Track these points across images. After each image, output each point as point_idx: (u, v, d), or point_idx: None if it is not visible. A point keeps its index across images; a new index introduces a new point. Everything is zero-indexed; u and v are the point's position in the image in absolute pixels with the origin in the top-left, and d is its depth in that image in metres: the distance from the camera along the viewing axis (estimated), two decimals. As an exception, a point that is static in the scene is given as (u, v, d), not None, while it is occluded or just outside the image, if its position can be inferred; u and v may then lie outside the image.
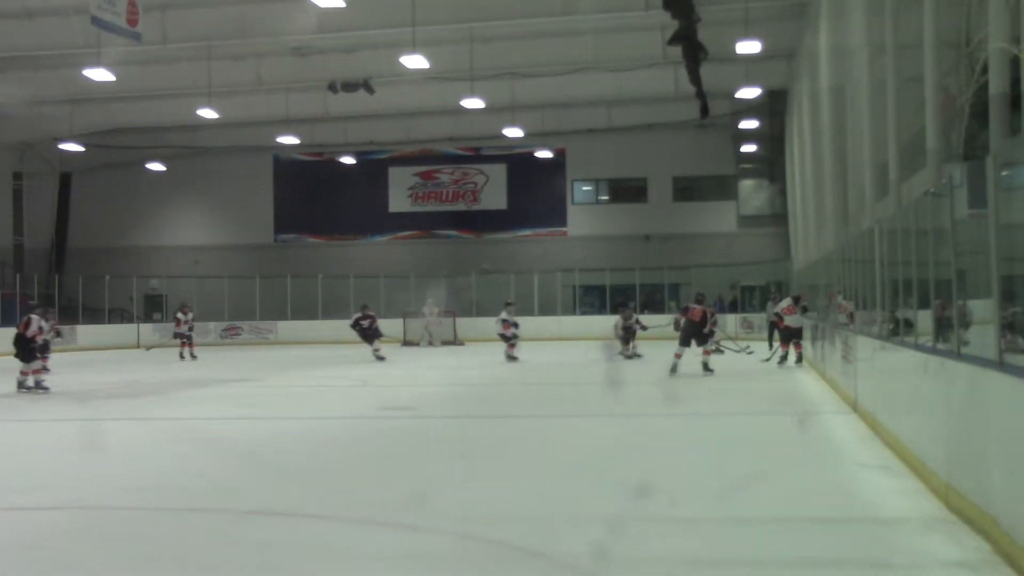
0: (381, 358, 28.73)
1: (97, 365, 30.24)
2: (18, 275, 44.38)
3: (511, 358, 27.98)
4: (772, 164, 42.90)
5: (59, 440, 14.48)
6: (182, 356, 32.04)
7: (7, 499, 9.71)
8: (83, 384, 23.25)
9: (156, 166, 48.27)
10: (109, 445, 13.74)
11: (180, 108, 38.08)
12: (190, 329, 33.01)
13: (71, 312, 42.75)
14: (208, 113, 37.12)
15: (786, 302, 25.30)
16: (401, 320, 39.71)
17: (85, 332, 40.08)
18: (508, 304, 29.02)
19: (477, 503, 9.27)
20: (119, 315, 44.71)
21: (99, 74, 29.79)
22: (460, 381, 23.23)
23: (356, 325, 29.38)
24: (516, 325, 28.41)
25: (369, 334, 29.32)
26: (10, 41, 29.08)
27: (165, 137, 44.72)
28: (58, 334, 20.31)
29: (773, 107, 38.91)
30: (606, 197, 48.60)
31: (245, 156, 48.13)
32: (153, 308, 47.14)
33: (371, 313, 29.60)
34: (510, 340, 28.15)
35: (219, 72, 32.90)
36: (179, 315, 33.27)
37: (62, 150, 44.25)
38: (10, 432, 15.40)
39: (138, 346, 40.82)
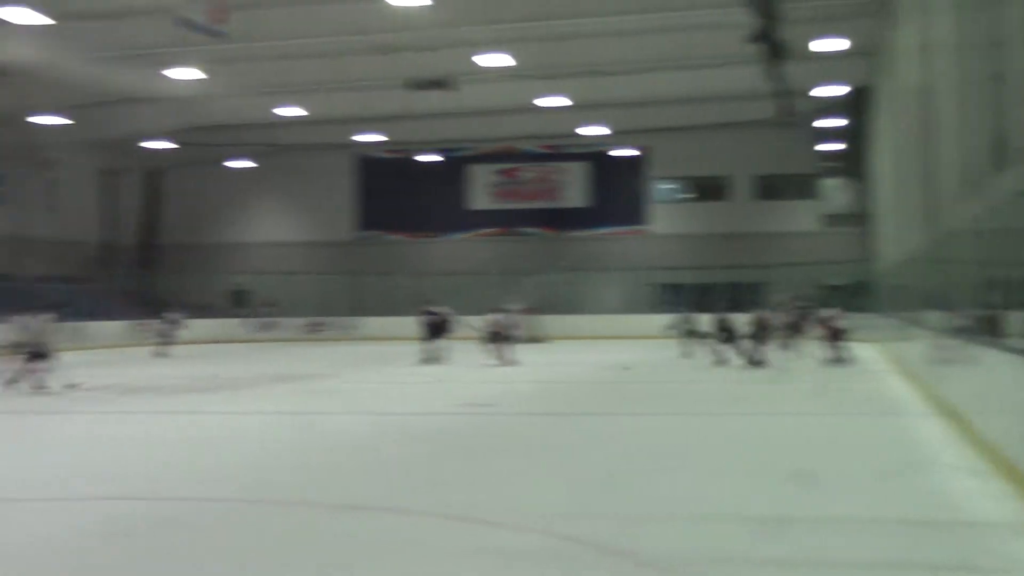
0: (428, 359, 27.53)
1: (182, 360, 30.65)
2: (110, 270, 45.15)
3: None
4: (854, 162, 42.35)
5: (150, 432, 14.68)
6: (161, 355, 32.28)
7: (99, 489, 9.88)
8: (169, 378, 23.58)
9: (241, 163, 48.82)
10: (196, 438, 13.94)
11: (265, 106, 38.43)
12: (174, 329, 33.62)
13: (159, 308, 43.39)
14: (292, 111, 37.45)
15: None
16: (483, 317, 39.74)
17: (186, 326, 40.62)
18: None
19: (561, 500, 9.27)
20: (205, 310, 45.13)
21: (187, 73, 30.21)
22: (542, 378, 23.21)
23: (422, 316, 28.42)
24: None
25: (435, 329, 28.04)
26: (99, 41, 29.52)
27: (250, 135, 45.14)
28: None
29: (855, 105, 38.41)
30: (687, 195, 48.39)
31: (328, 153, 48.48)
32: (239, 303, 47.65)
33: (437, 310, 28.45)
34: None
35: (302, 70, 33.19)
36: (167, 316, 34.02)
37: (149, 148, 44.89)
38: (103, 424, 15.66)
39: (224, 341, 41.29)
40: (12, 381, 19.54)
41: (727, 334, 24.98)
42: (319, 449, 12.74)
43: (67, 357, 20.52)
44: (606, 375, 24.21)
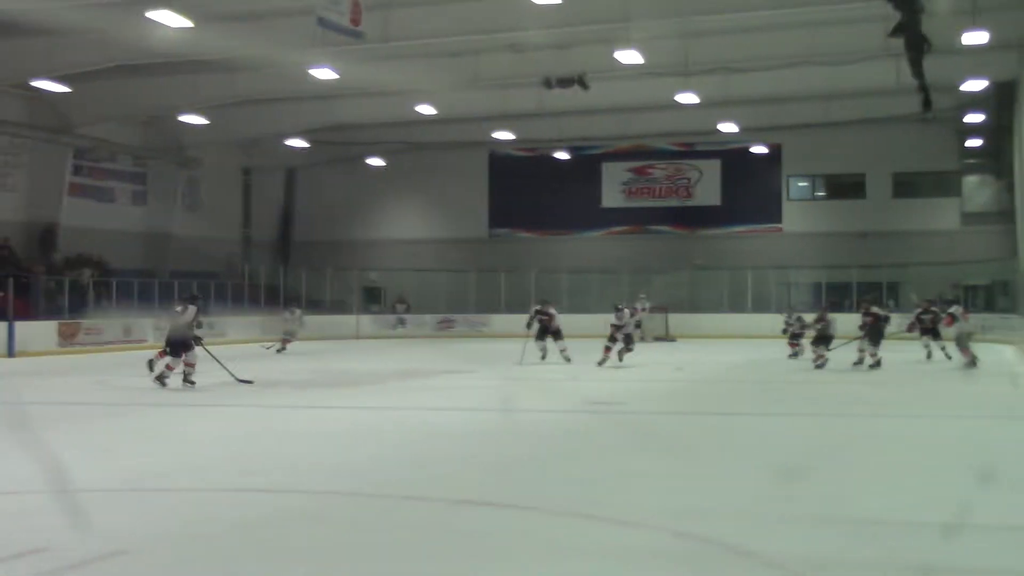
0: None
1: (317, 355, 31.12)
2: (247, 267, 46.16)
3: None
4: (999, 159, 41.35)
5: (280, 426, 14.98)
6: (281, 350, 32.49)
7: (233, 481, 10.12)
8: (304, 373, 23.97)
9: (376, 161, 49.41)
10: (327, 432, 14.16)
11: (399, 104, 38.80)
12: (294, 326, 33.94)
13: (295, 303, 44.19)
14: (426, 109, 37.73)
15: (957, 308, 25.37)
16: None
17: (307, 322, 41.34)
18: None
19: (687, 499, 9.23)
20: (340, 306, 45.77)
21: (323, 72, 30.66)
22: (670, 377, 23.07)
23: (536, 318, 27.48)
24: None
25: (543, 329, 27.23)
26: (240, 42, 30.13)
27: (384, 133, 45.56)
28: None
29: (1000, 99, 37.44)
30: (822, 193, 47.71)
31: (461, 151, 48.77)
32: (372, 300, 48.28)
33: (548, 311, 27.53)
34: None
35: (437, 69, 33.44)
36: (286, 313, 34.62)
37: (287, 146, 45.67)
38: (237, 417, 16.00)
39: (357, 337, 41.92)
40: (162, 375, 19.66)
41: (825, 334, 24.30)
42: (446, 445, 12.86)
43: (214, 351, 20.85)
44: (735, 374, 24.00)
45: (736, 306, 42.79)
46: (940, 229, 44.25)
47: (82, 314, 34.25)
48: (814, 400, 18.58)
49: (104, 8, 26.41)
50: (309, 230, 50.69)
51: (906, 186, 45.76)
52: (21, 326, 31.05)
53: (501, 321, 43.14)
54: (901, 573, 6.89)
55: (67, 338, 32.72)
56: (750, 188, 47.54)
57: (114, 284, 37.15)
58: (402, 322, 44.90)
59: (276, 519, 8.53)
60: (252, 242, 49.76)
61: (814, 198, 47.78)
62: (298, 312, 34.76)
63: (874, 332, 24.01)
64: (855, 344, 24.37)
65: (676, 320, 39.74)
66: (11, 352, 30.08)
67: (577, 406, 17.22)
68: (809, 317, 26.84)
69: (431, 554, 7.42)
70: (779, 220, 47.49)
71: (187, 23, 25.40)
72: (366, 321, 44.52)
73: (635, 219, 49.24)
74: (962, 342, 24.31)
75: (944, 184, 44.97)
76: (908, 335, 27.33)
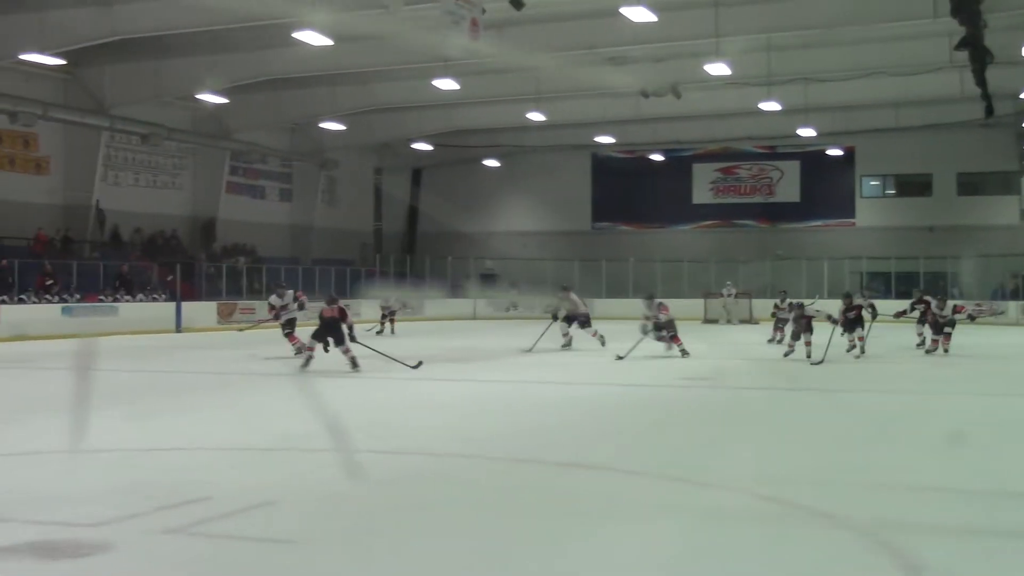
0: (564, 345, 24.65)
1: (440, 333, 31.36)
2: (378, 255, 46.77)
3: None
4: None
5: (407, 396, 15.12)
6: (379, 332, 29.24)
7: (370, 444, 10.20)
8: (428, 349, 24.12)
9: (491, 162, 49.63)
10: (448, 402, 14.28)
11: (512, 112, 38.92)
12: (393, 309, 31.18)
13: (419, 287, 44.52)
14: (536, 116, 37.78)
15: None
16: (702, 300, 39.85)
17: (430, 305, 41.72)
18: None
19: (771, 466, 9.18)
20: (459, 290, 46.11)
21: (445, 84, 30.87)
22: (756, 356, 22.82)
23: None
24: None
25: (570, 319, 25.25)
26: (372, 58, 30.50)
27: (499, 137, 45.77)
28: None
29: (1057, 105, 36.53)
30: (892, 191, 47.02)
31: (567, 153, 48.70)
32: (487, 285, 48.51)
33: (572, 297, 25.68)
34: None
35: (545, 80, 33.52)
36: (385, 302, 31.34)
37: (414, 149, 46.11)
38: (368, 387, 16.20)
39: (475, 318, 42.17)
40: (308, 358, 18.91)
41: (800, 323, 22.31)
42: (553, 415, 12.90)
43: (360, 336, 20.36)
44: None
45: (814, 293, 42.20)
46: (1000, 224, 43.29)
47: (237, 295, 35.13)
48: (877, 378, 18.29)
49: (257, 29, 26.92)
50: (432, 223, 50.98)
51: (969, 185, 44.88)
52: (186, 306, 32.04)
53: (602, 305, 42.93)
54: (953, 534, 6.80)
55: (225, 316, 33.50)
56: (826, 186, 47.03)
57: (264, 269, 37.92)
58: (514, 305, 45.04)
59: (406, 478, 8.65)
60: (382, 233, 50.38)
61: (884, 196, 47.11)
62: (391, 300, 31.63)
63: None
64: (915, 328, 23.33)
65: (759, 305, 39.36)
66: (178, 328, 31.01)
67: (671, 381, 17.13)
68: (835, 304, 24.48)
69: (540, 510, 7.48)
70: (852, 215, 46.86)
71: (328, 42, 25.73)
72: (482, 303, 44.75)
73: (722, 214, 48.93)
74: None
75: (1005, 183, 44.05)
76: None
